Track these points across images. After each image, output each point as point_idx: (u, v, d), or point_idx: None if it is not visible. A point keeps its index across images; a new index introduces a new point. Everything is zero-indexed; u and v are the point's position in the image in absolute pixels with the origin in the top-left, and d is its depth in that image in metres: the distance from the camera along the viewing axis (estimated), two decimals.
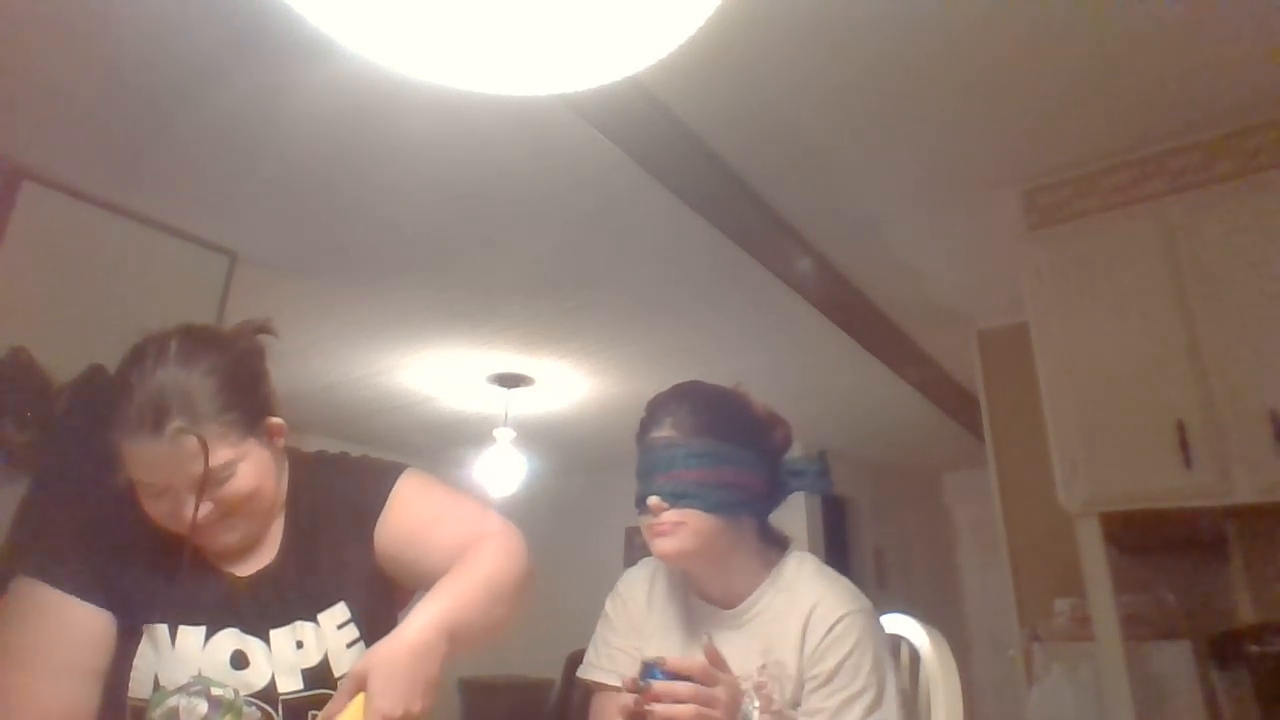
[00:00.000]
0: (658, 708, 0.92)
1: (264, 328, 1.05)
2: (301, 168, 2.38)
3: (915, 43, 1.88)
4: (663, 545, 1.07)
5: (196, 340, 0.96)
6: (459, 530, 1.00)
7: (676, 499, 1.05)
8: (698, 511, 1.05)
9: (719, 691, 0.93)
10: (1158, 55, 1.93)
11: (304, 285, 3.14)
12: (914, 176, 2.44)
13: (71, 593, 0.92)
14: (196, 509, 0.91)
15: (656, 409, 1.14)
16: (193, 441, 0.89)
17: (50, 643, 0.90)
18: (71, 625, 0.91)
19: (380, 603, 1.03)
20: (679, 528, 1.05)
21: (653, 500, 1.06)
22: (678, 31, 0.83)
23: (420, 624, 0.86)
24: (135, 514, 0.96)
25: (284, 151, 2.29)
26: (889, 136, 2.24)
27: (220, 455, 0.92)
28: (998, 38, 1.87)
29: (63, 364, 2.32)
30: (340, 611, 0.99)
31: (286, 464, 1.06)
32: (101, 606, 0.93)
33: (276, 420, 1.02)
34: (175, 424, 0.89)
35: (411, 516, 1.03)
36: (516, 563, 0.98)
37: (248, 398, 0.97)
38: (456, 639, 0.87)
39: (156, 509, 0.93)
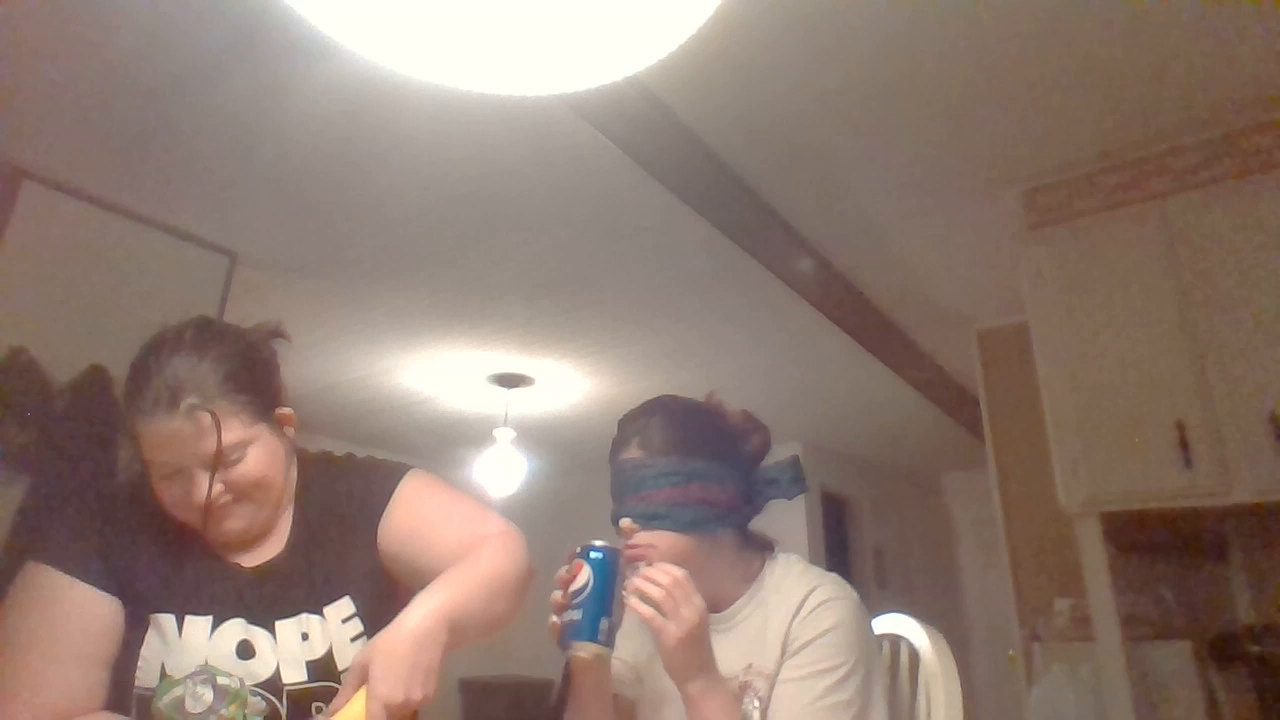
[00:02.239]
0: (637, 582, 0.93)
1: (277, 331, 1.09)
2: (301, 167, 2.38)
3: (915, 42, 1.89)
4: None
5: (210, 330, 1.00)
6: (461, 529, 1.02)
7: (647, 520, 1.04)
8: (669, 533, 1.05)
9: (692, 602, 0.93)
10: (1158, 55, 1.93)
11: (304, 285, 3.14)
12: (914, 176, 2.45)
13: (82, 579, 0.93)
14: (210, 485, 0.94)
15: (624, 428, 1.14)
16: (206, 418, 0.92)
17: (61, 629, 0.91)
18: (82, 612, 0.92)
19: (383, 600, 1.04)
20: (650, 551, 1.05)
21: (624, 523, 1.05)
22: (678, 31, 0.83)
23: (421, 613, 0.86)
24: (144, 505, 0.98)
25: (284, 151, 2.29)
26: (889, 136, 2.24)
27: (232, 433, 0.94)
28: (998, 37, 1.87)
29: (63, 364, 2.32)
30: (345, 605, 1.01)
31: (295, 458, 1.08)
32: (112, 594, 0.94)
33: (287, 410, 1.05)
34: (189, 400, 0.92)
35: (414, 515, 1.05)
36: (517, 562, 0.99)
37: (259, 384, 1.01)
38: (456, 630, 0.87)
39: (169, 493, 0.95)
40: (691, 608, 0.93)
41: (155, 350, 0.96)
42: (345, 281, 3.15)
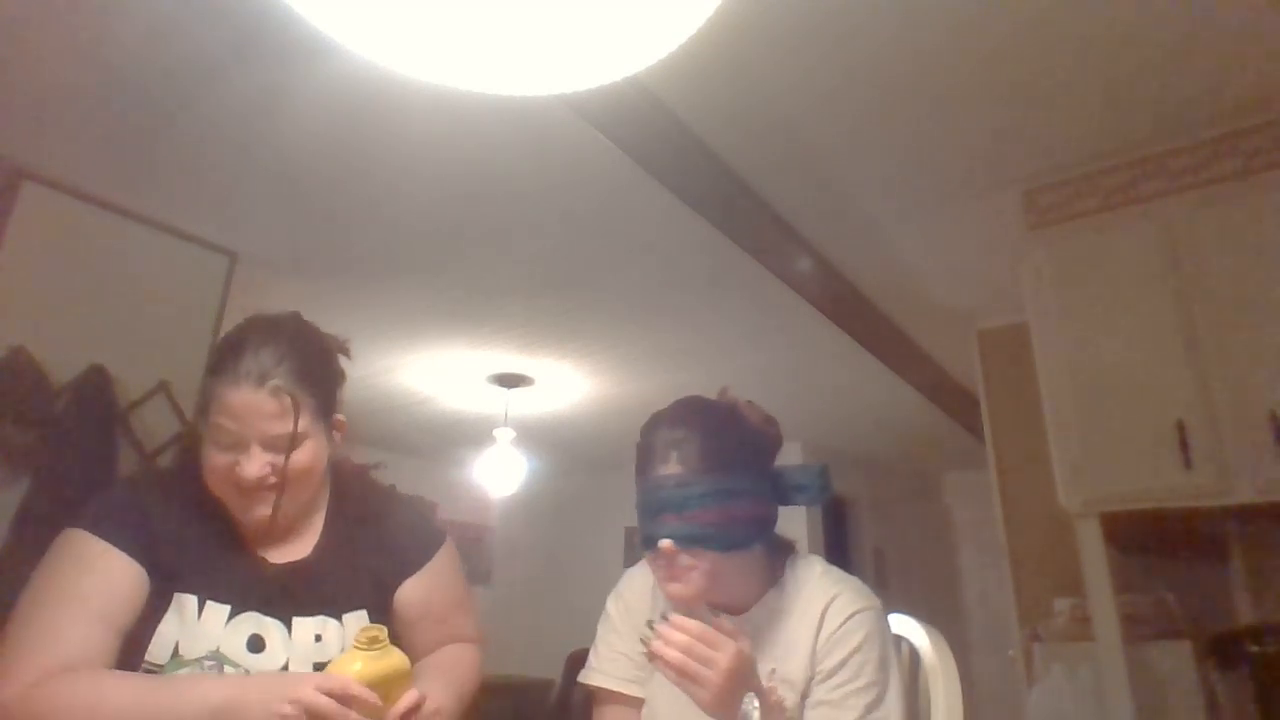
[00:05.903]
0: (655, 644, 0.91)
1: (345, 348, 1.21)
2: (302, 167, 2.38)
3: (915, 42, 1.88)
4: (675, 590, 1.03)
5: (303, 326, 1.12)
6: (456, 628, 1.20)
7: (691, 543, 1.00)
8: (710, 553, 1.01)
9: (719, 656, 0.90)
10: (1158, 55, 1.93)
11: (304, 285, 3.14)
12: (914, 176, 2.44)
13: (116, 545, 0.97)
14: (285, 463, 1.00)
15: (656, 438, 1.07)
16: (287, 400, 0.99)
17: (88, 588, 0.94)
18: (109, 576, 0.95)
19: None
20: (691, 572, 1.02)
21: (665, 544, 1.00)
22: (678, 31, 0.83)
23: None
24: (183, 490, 1.03)
25: (285, 151, 2.29)
26: (889, 136, 2.24)
27: (302, 421, 1.01)
28: (998, 37, 1.87)
29: (63, 364, 2.32)
30: (363, 618, 1.06)
31: (331, 464, 1.15)
32: (142, 565, 0.97)
33: (341, 417, 1.14)
34: (275, 381, 0.99)
35: (433, 591, 1.17)
36: (478, 676, 1.21)
37: (329, 388, 1.11)
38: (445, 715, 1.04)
39: (220, 461, 0.99)
40: (717, 668, 0.89)
41: (254, 329, 1.04)
42: (345, 281, 3.15)
